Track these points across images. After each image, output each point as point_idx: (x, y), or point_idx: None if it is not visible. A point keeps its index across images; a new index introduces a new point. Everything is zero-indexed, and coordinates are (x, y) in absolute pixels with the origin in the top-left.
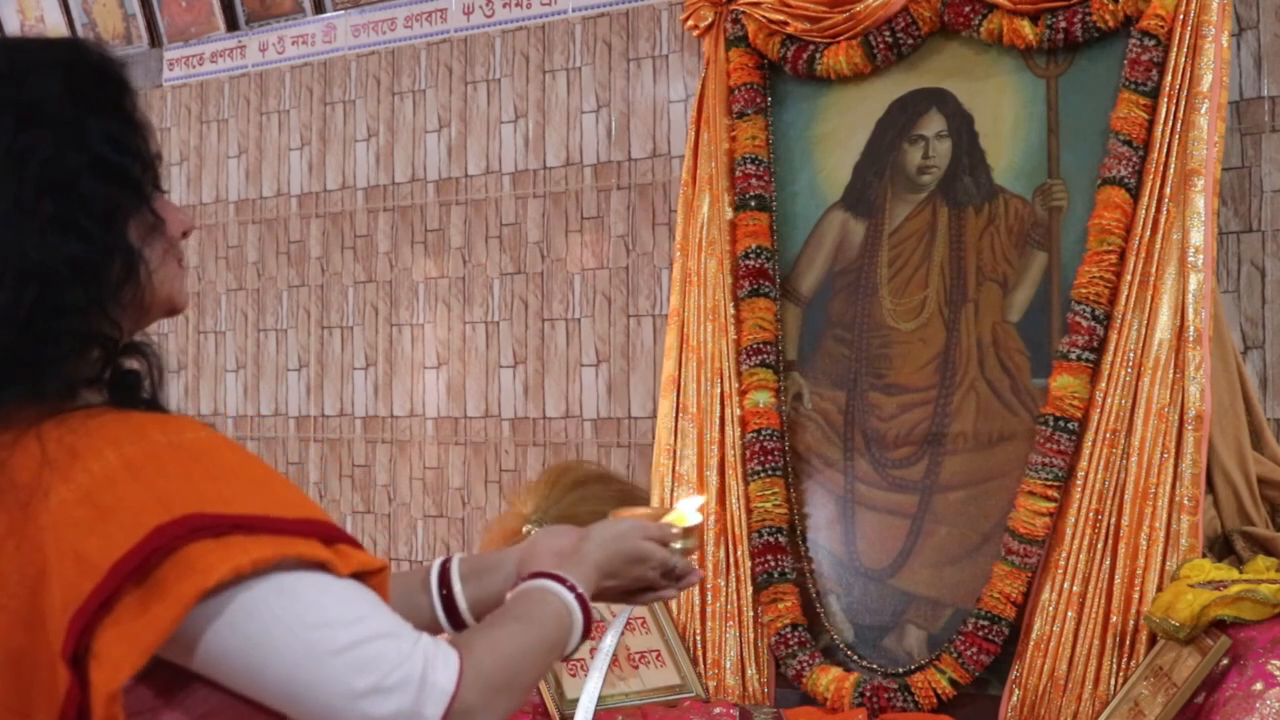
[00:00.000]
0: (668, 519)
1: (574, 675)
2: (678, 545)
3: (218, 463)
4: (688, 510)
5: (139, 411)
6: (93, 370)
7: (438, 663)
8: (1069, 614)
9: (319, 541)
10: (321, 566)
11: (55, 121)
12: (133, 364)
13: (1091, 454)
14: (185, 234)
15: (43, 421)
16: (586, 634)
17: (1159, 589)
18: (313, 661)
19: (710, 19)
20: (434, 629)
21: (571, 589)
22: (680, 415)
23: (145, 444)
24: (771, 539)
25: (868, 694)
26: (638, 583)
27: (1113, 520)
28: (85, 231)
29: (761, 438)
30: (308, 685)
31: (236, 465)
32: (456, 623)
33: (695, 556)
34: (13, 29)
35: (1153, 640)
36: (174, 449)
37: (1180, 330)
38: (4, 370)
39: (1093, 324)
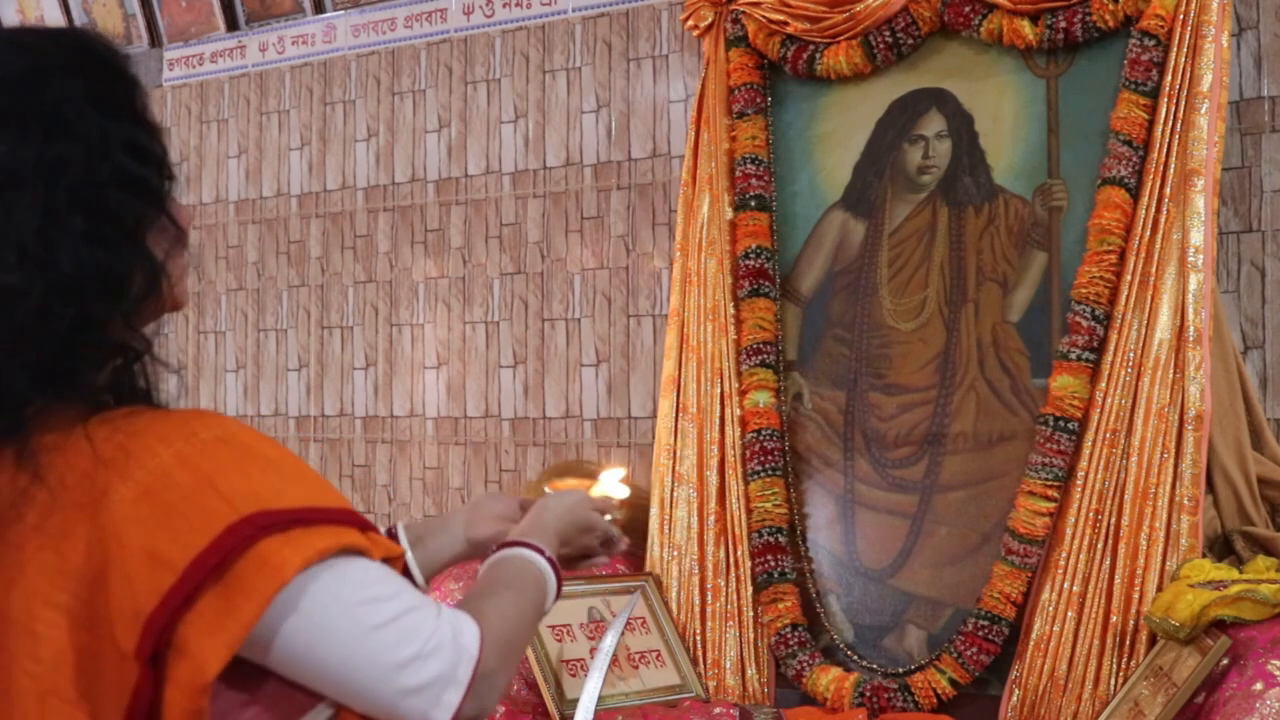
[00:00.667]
0: (595, 492)
1: (574, 675)
2: (611, 516)
3: (262, 456)
4: (611, 483)
5: (171, 409)
6: (112, 376)
7: (462, 628)
8: (1069, 614)
9: (357, 529)
10: (362, 552)
11: (80, 131)
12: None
13: (1091, 454)
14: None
15: (85, 421)
16: (557, 597)
17: (1159, 589)
18: (362, 635)
19: (710, 19)
20: None
21: (544, 555)
22: (680, 415)
23: (194, 440)
24: (771, 539)
25: (868, 694)
26: (583, 550)
27: (1113, 520)
28: (113, 245)
29: (761, 438)
30: (360, 659)
31: (277, 458)
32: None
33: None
34: (14, 26)
35: (1153, 640)
36: (221, 443)
37: (1180, 330)
38: (35, 381)
39: (1093, 324)
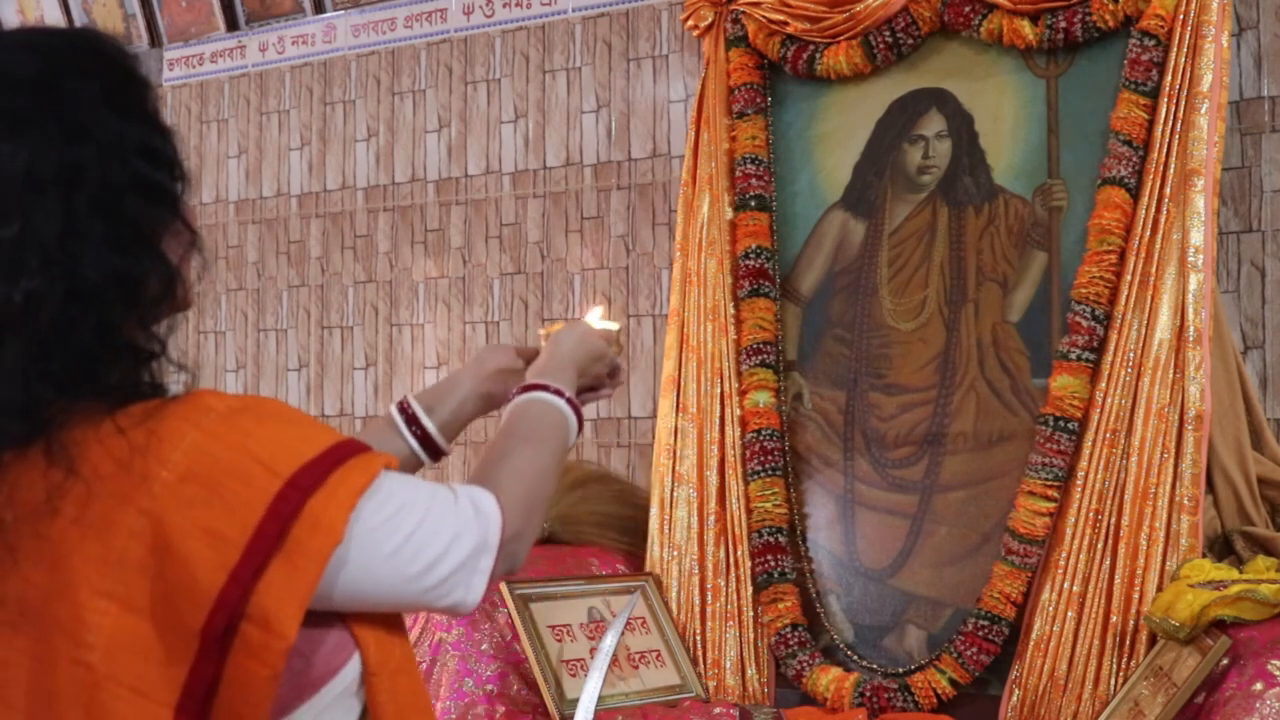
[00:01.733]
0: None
1: (574, 675)
2: (612, 348)
3: (276, 413)
4: (597, 319)
5: (177, 395)
6: (122, 375)
7: (481, 501)
8: (1069, 614)
9: (371, 451)
10: (386, 466)
11: (98, 134)
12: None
13: (1091, 454)
14: None
15: (109, 415)
16: (580, 432)
17: (1159, 589)
18: (400, 544)
19: (710, 19)
20: (413, 466)
21: (562, 395)
22: (680, 415)
23: (213, 414)
24: (771, 539)
25: (868, 694)
26: (595, 380)
27: (1113, 520)
28: (131, 250)
29: (761, 438)
30: (401, 564)
31: (287, 411)
32: (433, 452)
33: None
34: (27, 26)
35: (1153, 640)
36: (238, 412)
37: (1180, 330)
38: (56, 385)
39: (1093, 324)
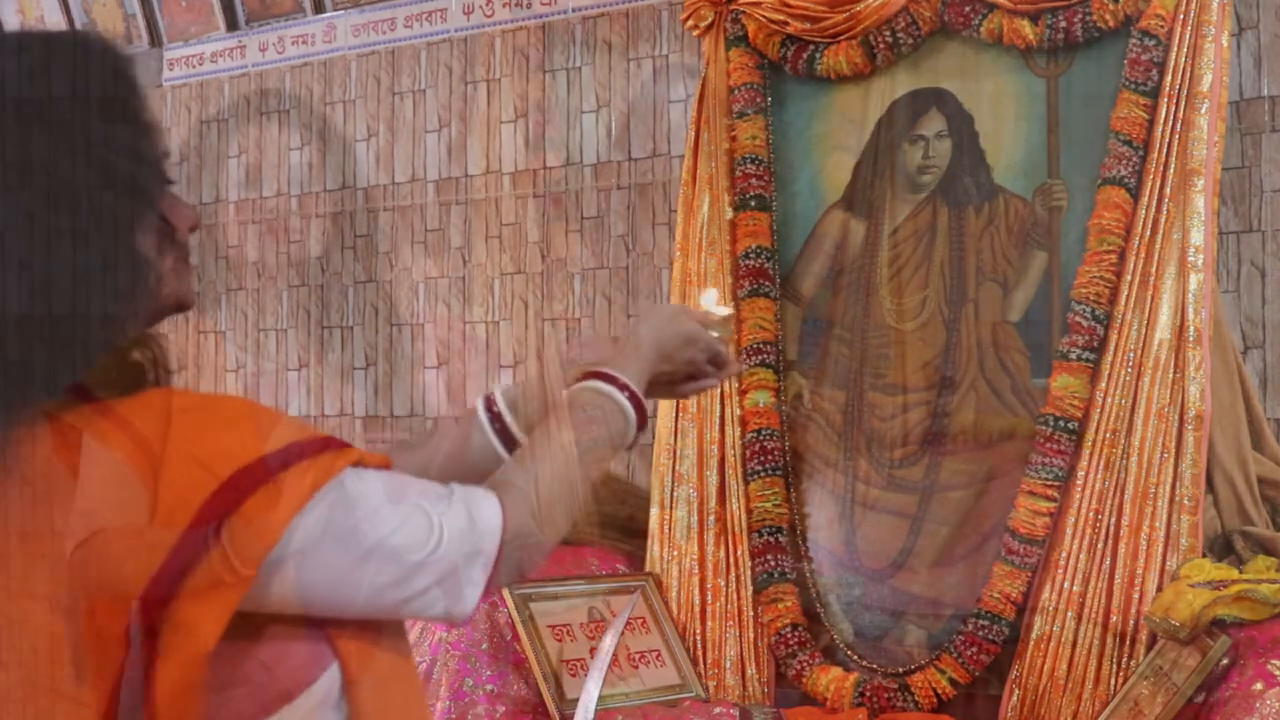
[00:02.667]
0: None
1: (574, 675)
2: (716, 333)
3: (227, 413)
4: (710, 303)
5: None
6: (103, 373)
7: (478, 505)
8: (1069, 614)
9: (336, 449)
10: (357, 462)
11: (68, 130)
12: (139, 356)
13: (1091, 454)
14: (192, 229)
15: (57, 414)
16: (642, 425)
17: (1159, 589)
18: (361, 557)
19: (710, 19)
20: (493, 462)
21: (622, 386)
22: (680, 415)
23: (159, 414)
24: (771, 539)
25: (868, 694)
26: (689, 366)
27: (1113, 520)
28: (97, 243)
29: (761, 437)
30: (362, 577)
31: (245, 409)
32: (514, 450)
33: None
34: (13, 30)
35: (1153, 640)
36: (186, 412)
37: (1180, 330)
38: (20, 377)
39: (1093, 324)
